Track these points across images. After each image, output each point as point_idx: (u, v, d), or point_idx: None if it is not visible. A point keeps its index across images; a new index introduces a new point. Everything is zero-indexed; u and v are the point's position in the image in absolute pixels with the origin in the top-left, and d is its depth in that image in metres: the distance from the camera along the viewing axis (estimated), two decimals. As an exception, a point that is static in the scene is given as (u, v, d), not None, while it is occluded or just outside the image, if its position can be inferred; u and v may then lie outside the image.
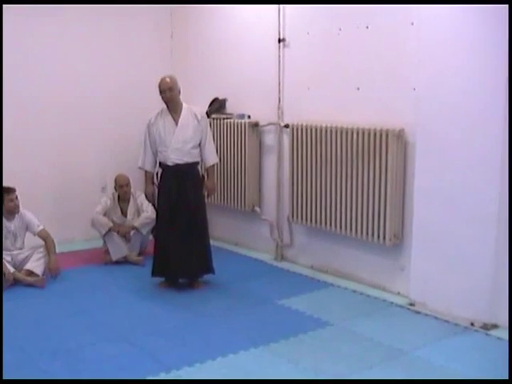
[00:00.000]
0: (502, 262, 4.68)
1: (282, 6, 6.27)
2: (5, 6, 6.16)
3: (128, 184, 6.75)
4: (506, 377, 3.80)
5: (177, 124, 5.59)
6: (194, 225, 5.67)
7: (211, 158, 5.79)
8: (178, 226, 5.62)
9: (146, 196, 6.02)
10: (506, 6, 4.35)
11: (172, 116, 5.61)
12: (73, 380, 3.91)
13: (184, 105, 5.67)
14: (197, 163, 5.77)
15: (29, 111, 6.92)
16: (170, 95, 5.54)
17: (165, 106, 5.65)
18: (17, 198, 5.94)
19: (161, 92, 5.56)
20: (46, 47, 7.00)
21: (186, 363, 4.18)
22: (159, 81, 5.58)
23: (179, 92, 5.63)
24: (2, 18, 6.40)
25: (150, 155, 5.74)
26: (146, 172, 5.86)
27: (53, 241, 6.05)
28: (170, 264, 5.66)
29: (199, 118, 5.65)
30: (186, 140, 5.58)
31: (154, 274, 5.77)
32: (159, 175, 5.83)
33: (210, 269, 5.80)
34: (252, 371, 4.11)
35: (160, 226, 5.82)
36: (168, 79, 5.57)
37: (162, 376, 4.03)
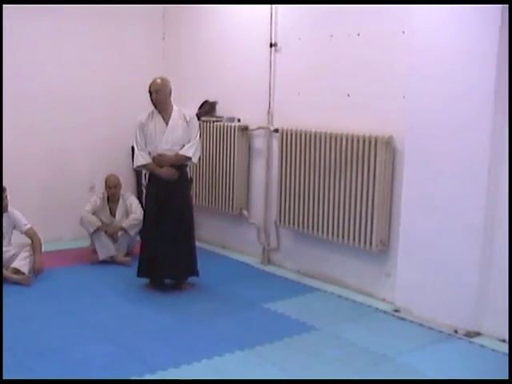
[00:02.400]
0: (487, 271, 4.74)
1: (274, 10, 6.30)
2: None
3: (117, 186, 6.75)
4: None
5: (167, 125, 5.60)
6: (181, 226, 5.68)
7: (189, 151, 5.59)
8: (165, 227, 5.62)
9: (164, 175, 5.61)
10: (498, 14, 4.42)
11: (162, 117, 5.62)
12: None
13: (174, 107, 5.67)
14: (185, 165, 5.78)
15: (18, 109, 6.89)
16: (156, 97, 5.56)
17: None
18: (6, 197, 5.94)
19: (149, 93, 5.59)
20: (38, 47, 7.00)
21: (172, 365, 4.20)
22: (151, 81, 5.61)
23: (170, 93, 5.63)
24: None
25: (146, 151, 5.64)
26: (146, 165, 5.68)
27: (39, 240, 6.04)
28: (155, 265, 5.66)
29: (188, 119, 5.66)
30: (175, 141, 5.59)
31: (139, 274, 5.77)
32: (147, 176, 5.83)
33: (194, 271, 5.81)
34: (237, 374, 4.13)
35: (146, 227, 5.81)
36: (159, 80, 5.59)
37: (148, 377, 4.03)
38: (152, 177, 5.73)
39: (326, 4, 5.76)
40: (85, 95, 7.35)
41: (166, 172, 5.61)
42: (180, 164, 5.68)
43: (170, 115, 5.63)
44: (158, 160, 5.61)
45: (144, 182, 5.87)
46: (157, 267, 5.68)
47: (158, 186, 5.65)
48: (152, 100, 5.60)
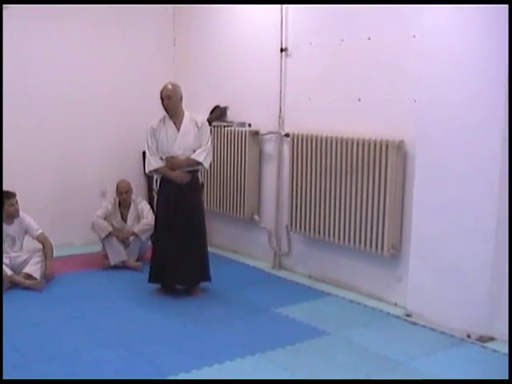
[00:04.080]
0: (499, 275, 4.70)
1: (284, 14, 6.30)
2: (16, 7, 6.19)
3: (128, 191, 6.76)
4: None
5: (178, 131, 5.61)
6: (193, 232, 5.68)
7: (200, 156, 5.59)
8: (177, 232, 5.63)
9: (176, 178, 5.61)
10: (506, 18, 4.39)
11: (174, 123, 5.63)
12: (72, 380, 3.90)
13: (185, 112, 5.68)
14: (196, 171, 5.78)
15: (29, 114, 6.94)
16: (167, 103, 5.57)
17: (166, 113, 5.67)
18: (17, 202, 5.96)
19: (161, 98, 5.60)
20: (47, 51, 7.02)
21: (183, 369, 4.19)
22: (162, 87, 5.62)
23: (181, 99, 5.64)
24: (2, 17, 6.43)
25: (158, 156, 5.64)
26: (158, 170, 5.66)
27: (51, 245, 6.07)
28: (167, 270, 5.67)
29: (200, 124, 5.66)
30: (187, 147, 5.60)
31: (150, 280, 5.78)
32: (158, 182, 5.83)
33: (207, 276, 5.81)
34: (248, 379, 4.11)
35: (158, 233, 5.82)
36: (170, 86, 5.60)
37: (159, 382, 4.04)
38: (163, 182, 5.74)
39: (335, 4, 5.75)
40: (96, 100, 7.38)
41: (179, 175, 5.61)
42: (192, 169, 5.68)
43: (182, 121, 5.63)
44: (171, 163, 5.61)
45: (155, 187, 5.87)
46: (168, 273, 5.68)
47: (169, 191, 5.66)
48: (164, 106, 5.61)
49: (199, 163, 5.64)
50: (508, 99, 4.48)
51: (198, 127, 5.65)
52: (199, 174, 5.92)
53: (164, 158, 5.62)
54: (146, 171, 5.79)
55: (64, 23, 7.05)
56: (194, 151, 5.62)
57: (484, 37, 4.64)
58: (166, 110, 5.63)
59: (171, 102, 5.57)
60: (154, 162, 5.64)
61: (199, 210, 5.80)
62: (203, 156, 5.63)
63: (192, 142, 5.62)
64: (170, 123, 5.62)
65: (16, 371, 4.05)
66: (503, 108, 4.54)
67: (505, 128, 4.55)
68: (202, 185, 5.92)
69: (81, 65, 7.26)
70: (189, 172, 5.66)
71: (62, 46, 7.13)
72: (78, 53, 7.23)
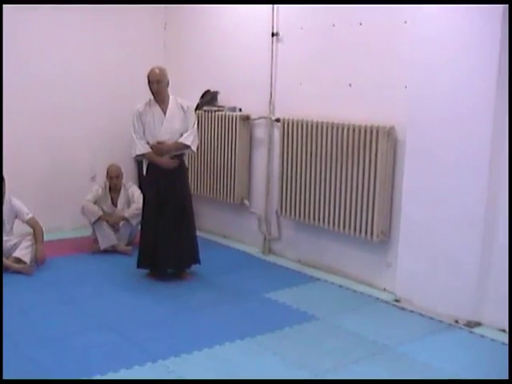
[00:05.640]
0: (487, 261, 4.74)
1: (276, -1, 6.29)
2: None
3: (118, 176, 6.75)
4: (488, 373, 3.87)
5: (165, 115, 5.60)
6: (182, 215, 5.69)
7: (187, 139, 5.60)
8: (167, 217, 5.63)
9: (164, 164, 5.62)
10: (500, 5, 4.39)
11: (160, 107, 5.61)
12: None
13: (171, 96, 5.67)
14: (183, 154, 5.77)
15: (18, 99, 6.87)
16: (157, 87, 5.54)
17: (152, 97, 5.63)
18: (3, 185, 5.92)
19: (149, 82, 5.57)
20: (35, 36, 6.96)
21: (173, 353, 4.21)
22: (149, 71, 5.59)
23: (168, 84, 5.63)
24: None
25: (145, 140, 5.62)
26: (145, 155, 5.65)
27: (41, 229, 6.05)
28: (157, 255, 5.67)
29: (185, 108, 5.66)
30: (173, 131, 5.59)
31: (139, 265, 5.79)
32: (146, 166, 5.80)
33: (197, 259, 5.84)
34: (237, 363, 4.14)
35: (146, 218, 5.79)
36: (157, 70, 5.57)
37: (149, 366, 4.05)
38: (151, 166, 5.71)
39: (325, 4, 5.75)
40: (86, 84, 7.34)
41: (166, 161, 5.61)
42: (179, 153, 5.68)
43: (167, 105, 5.62)
44: (158, 148, 5.60)
45: (143, 171, 5.84)
46: (159, 257, 5.68)
47: (157, 175, 5.65)
48: (152, 90, 5.58)
49: (187, 146, 5.64)
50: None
51: (184, 111, 5.65)
52: (185, 158, 5.90)
53: (151, 142, 5.60)
54: (133, 155, 5.77)
55: (53, 9, 6.97)
56: (181, 135, 5.61)
57: (476, 23, 4.63)
58: (153, 94, 5.60)
59: (160, 86, 5.55)
60: (141, 147, 5.61)
61: (187, 194, 5.82)
62: (191, 139, 5.63)
63: (179, 125, 5.62)
64: (156, 107, 5.61)
65: (6, 356, 4.04)
66: (493, 95, 4.55)
67: (495, 115, 4.56)
68: (187, 169, 5.91)
69: (69, 49, 7.21)
70: (176, 156, 5.66)
71: (51, 32, 7.08)
72: (66, 37, 7.18)
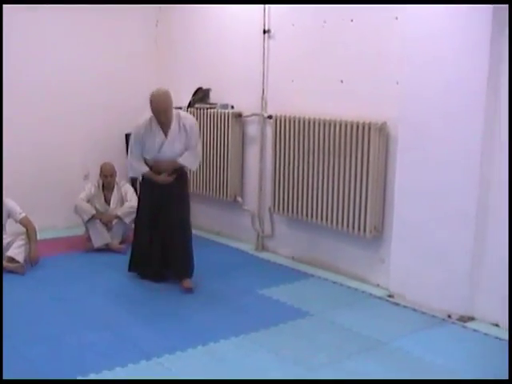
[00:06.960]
0: (480, 256, 4.77)
1: (267, -3, 6.29)
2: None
3: (112, 174, 6.74)
4: (482, 367, 3.89)
5: (166, 136, 5.37)
6: (178, 226, 5.53)
7: (186, 160, 5.45)
8: (161, 227, 5.53)
9: (160, 181, 5.43)
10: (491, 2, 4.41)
11: (161, 128, 5.36)
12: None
13: (174, 113, 5.40)
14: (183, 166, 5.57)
15: (10, 98, 6.82)
16: (165, 117, 5.30)
17: (153, 117, 5.35)
18: None
19: (155, 113, 5.29)
20: (28, 36, 6.92)
21: (167, 351, 4.21)
22: (151, 97, 5.28)
23: (172, 105, 5.38)
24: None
25: (142, 159, 5.45)
26: (142, 175, 5.54)
27: (34, 229, 6.02)
28: (151, 264, 5.60)
29: (188, 129, 5.40)
30: (174, 152, 5.40)
31: (130, 269, 5.76)
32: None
33: (189, 273, 5.55)
34: (232, 360, 4.15)
35: (140, 224, 5.70)
36: (162, 96, 5.27)
37: (143, 363, 4.06)
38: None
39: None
40: (78, 83, 7.31)
41: (163, 178, 5.43)
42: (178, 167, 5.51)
43: (170, 126, 5.37)
44: (156, 167, 5.42)
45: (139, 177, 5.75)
46: (151, 270, 5.62)
47: (153, 183, 5.48)
48: (159, 120, 5.31)
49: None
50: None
51: (186, 132, 5.40)
52: (187, 169, 5.72)
53: (149, 160, 5.43)
54: (129, 176, 5.63)
55: (46, 10, 6.95)
56: (181, 155, 5.43)
57: (467, 19, 4.65)
58: (159, 122, 5.34)
59: (168, 115, 5.30)
60: (138, 168, 5.46)
61: (185, 200, 5.63)
62: (189, 160, 5.47)
63: (180, 147, 5.40)
64: (157, 129, 5.36)
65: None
66: (485, 92, 4.57)
67: (486, 111, 4.58)
68: (187, 179, 5.73)
69: (62, 48, 7.16)
70: (175, 170, 5.48)
71: (44, 33, 7.05)
72: (58, 37, 7.14)
